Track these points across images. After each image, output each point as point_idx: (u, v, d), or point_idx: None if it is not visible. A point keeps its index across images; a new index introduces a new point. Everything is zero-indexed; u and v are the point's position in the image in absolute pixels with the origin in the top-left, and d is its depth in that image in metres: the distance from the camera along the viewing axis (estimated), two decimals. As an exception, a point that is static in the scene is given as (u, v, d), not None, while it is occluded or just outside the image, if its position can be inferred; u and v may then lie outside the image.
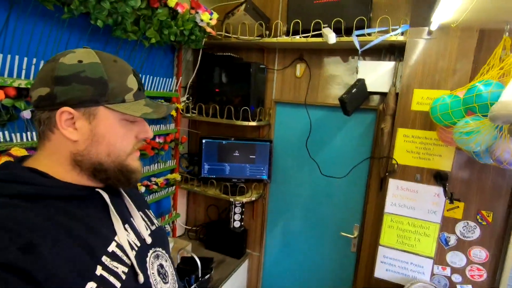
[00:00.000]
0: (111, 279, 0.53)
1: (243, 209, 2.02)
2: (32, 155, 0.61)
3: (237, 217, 2.00)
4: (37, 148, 0.60)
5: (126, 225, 0.64)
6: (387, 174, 1.56)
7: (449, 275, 1.52)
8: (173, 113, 1.79)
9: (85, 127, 0.57)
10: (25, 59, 1.06)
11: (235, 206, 1.98)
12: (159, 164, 1.79)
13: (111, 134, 0.59)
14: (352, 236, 1.84)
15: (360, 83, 1.53)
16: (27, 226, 0.46)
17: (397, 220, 1.55)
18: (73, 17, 1.11)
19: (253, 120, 1.78)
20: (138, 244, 0.64)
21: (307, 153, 1.88)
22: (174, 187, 1.94)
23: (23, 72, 1.07)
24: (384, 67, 1.57)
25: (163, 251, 0.73)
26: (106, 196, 0.61)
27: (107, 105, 0.58)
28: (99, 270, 0.51)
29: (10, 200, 0.49)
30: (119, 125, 0.60)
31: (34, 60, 1.09)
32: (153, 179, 1.75)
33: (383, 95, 1.64)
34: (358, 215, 1.85)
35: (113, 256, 0.56)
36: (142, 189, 1.67)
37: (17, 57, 1.03)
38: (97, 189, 0.61)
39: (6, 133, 1.05)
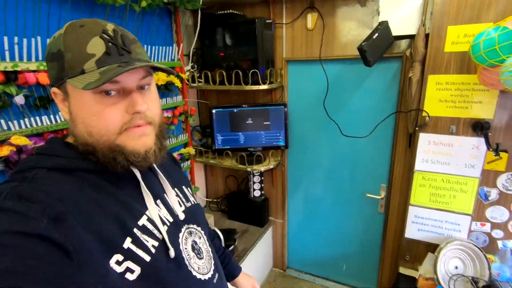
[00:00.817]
0: (139, 252, 0.53)
1: (262, 178, 1.95)
2: None
3: (256, 186, 1.95)
4: None
5: (158, 201, 0.63)
6: (417, 128, 1.40)
7: (489, 231, 1.40)
8: (178, 84, 1.67)
9: (66, 106, 0.55)
10: (5, 38, 0.96)
11: (254, 175, 1.92)
12: (170, 139, 1.72)
13: (84, 111, 0.52)
14: (379, 197, 1.74)
15: (383, 27, 1.32)
16: (59, 198, 0.48)
17: (429, 178, 1.42)
18: (48, -17, 0.98)
19: (264, 83, 1.64)
20: (171, 220, 0.63)
21: (326, 114, 1.74)
22: (189, 161, 1.89)
23: (7, 53, 0.98)
24: (411, 4, 1.34)
25: (198, 228, 0.71)
26: (136, 171, 0.59)
27: (69, 79, 0.51)
28: (127, 243, 0.51)
29: (48, 172, 0.51)
30: (94, 100, 0.51)
31: (16, 39, 0.99)
32: (166, 155, 1.69)
33: (410, 38, 1.42)
34: (384, 175, 1.73)
35: (144, 230, 0.56)
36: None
37: (-5, 36, 0.94)
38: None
39: (3, 121, 0.99)
